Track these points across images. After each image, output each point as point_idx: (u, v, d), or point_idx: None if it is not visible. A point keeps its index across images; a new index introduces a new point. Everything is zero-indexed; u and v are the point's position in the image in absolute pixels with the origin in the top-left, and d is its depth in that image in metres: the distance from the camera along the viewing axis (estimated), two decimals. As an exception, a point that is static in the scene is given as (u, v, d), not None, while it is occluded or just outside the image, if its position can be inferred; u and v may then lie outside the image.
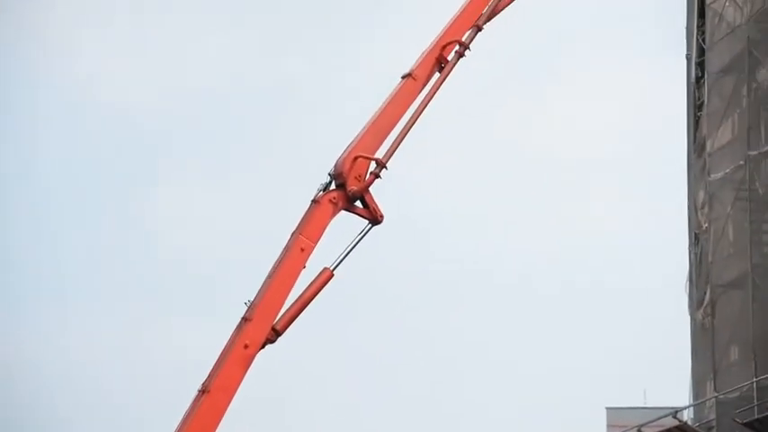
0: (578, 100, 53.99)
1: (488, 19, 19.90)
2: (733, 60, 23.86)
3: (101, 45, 51.33)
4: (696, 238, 25.50)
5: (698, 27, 25.51)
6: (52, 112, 48.43)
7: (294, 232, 18.71)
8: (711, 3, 24.70)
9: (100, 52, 51.12)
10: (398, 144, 18.99)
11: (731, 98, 23.83)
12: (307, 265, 18.62)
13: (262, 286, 18.48)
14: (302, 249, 18.57)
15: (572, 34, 53.25)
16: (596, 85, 53.68)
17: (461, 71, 19.52)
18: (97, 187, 49.05)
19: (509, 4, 20.15)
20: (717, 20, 24.47)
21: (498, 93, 52.33)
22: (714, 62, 24.52)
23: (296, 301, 18.49)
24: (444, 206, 48.15)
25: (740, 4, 23.90)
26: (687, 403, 25.62)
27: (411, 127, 19.11)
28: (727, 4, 24.27)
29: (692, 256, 25.95)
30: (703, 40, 25.06)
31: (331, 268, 18.63)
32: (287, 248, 18.63)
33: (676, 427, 21.76)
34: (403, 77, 19.45)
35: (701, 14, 25.28)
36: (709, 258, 23.92)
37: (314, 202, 18.83)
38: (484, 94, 48.55)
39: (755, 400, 21.32)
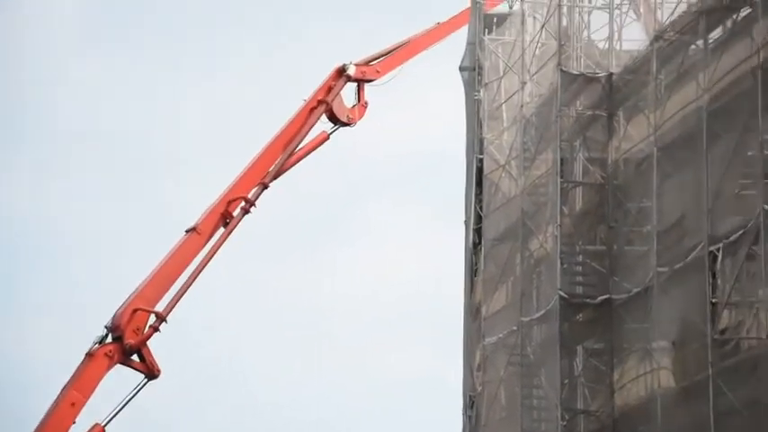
0: (364, 257, 54.77)
1: (275, 177, 20.11)
2: (508, 229, 24.58)
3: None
4: (471, 400, 25.81)
5: (476, 195, 26.25)
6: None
7: (66, 386, 18.13)
8: (488, 173, 25.52)
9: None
10: (180, 297, 18.76)
11: (505, 265, 24.48)
12: (77, 420, 18.02)
13: (28, 442, 17.77)
14: (73, 404, 18.03)
15: (360, 195, 54.20)
16: (382, 246, 54.64)
17: (247, 225, 19.57)
18: None
19: (296, 163, 20.45)
20: (493, 190, 25.27)
21: (287, 248, 52.71)
22: (490, 230, 25.24)
23: (64, 457, 17.81)
24: (234, 355, 47.58)
25: (515, 176, 24.73)
26: None
27: (194, 280, 18.96)
28: (502, 175, 25.10)
29: (466, 418, 26.21)
30: (481, 208, 25.80)
31: (102, 424, 18.07)
32: (56, 402, 18.05)
33: None
34: (187, 231, 19.33)
35: (479, 183, 26.07)
36: (482, 422, 24.22)
37: (88, 355, 18.35)
38: (273, 246, 48.69)
39: None
